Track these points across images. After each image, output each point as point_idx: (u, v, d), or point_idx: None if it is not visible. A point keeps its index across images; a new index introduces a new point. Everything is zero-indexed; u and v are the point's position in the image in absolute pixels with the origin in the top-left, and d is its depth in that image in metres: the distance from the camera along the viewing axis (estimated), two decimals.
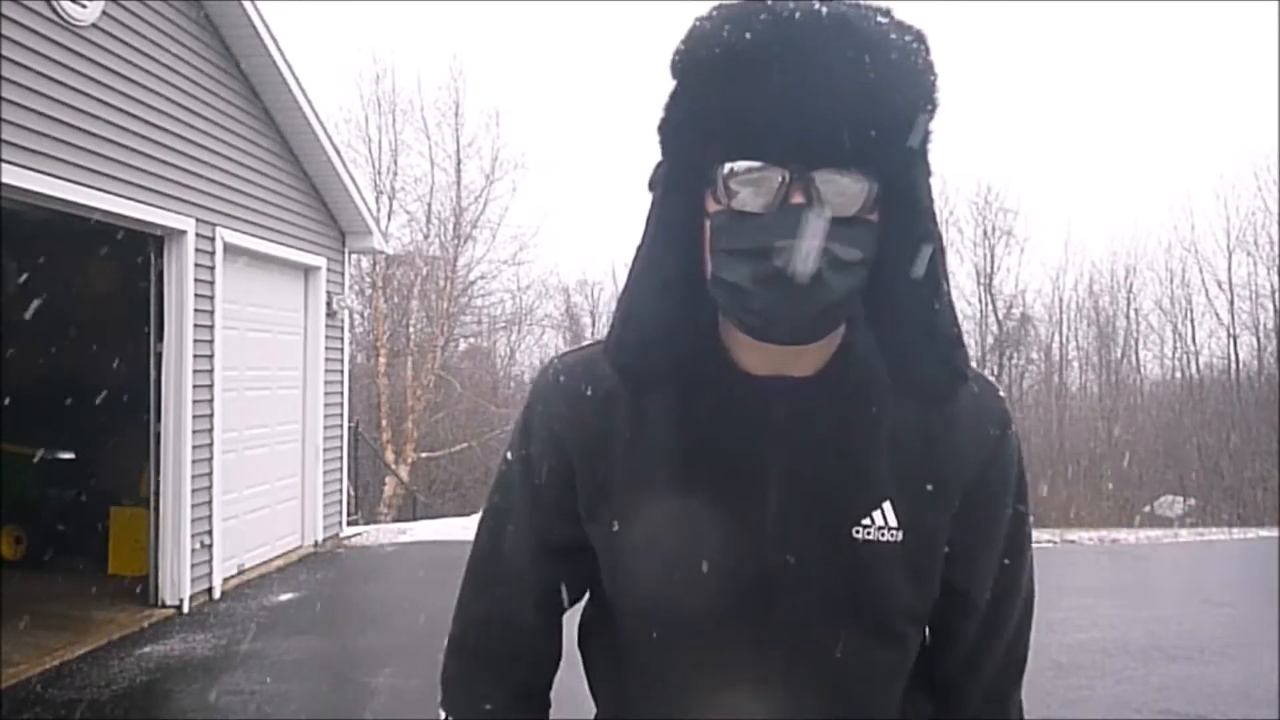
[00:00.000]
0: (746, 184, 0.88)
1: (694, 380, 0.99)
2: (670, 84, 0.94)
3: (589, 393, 1.04)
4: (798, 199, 0.86)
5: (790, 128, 0.85)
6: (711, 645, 1.00)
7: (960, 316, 1.00)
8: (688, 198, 0.94)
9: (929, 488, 1.00)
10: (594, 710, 1.16)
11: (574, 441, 1.04)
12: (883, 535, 0.98)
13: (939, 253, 0.95)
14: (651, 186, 0.99)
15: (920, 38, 0.90)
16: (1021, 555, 1.08)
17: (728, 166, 0.89)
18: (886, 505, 0.99)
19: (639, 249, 0.99)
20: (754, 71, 0.85)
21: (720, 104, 0.88)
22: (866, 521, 0.98)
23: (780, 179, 0.87)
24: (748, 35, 0.86)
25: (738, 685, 1.00)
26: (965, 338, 1.00)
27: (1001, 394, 1.08)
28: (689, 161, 0.93)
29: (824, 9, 0.86)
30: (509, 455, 1.10)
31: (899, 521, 0.99)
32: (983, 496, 1.03)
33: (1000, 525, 1.05)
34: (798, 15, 0.86)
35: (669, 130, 0.94)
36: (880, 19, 0.88)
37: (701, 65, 0.90)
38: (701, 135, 0.90)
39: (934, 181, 0.97)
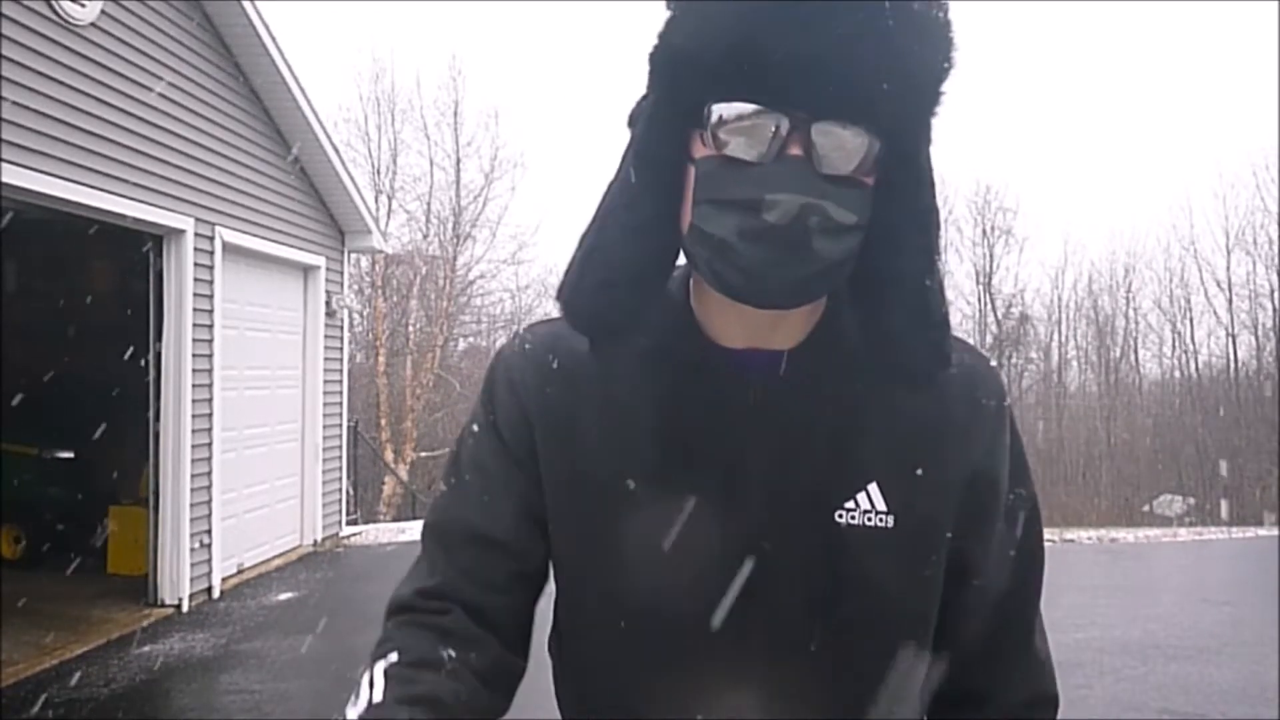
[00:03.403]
0: (740, 130, 0.80)
1: (664, 354, 0.92)
2: (670, 9, 0.84)
3: (554, 365, 0.96)
4: (795, 150, 0.79)
5: (797, 71, 0.76)
6: (686, 638, 0.92)
7: (947, 299, 0.93)
8: (672, 138, 0.85)
9: (920, 471, 0.92)
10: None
11: (538, 415, 0.96)
12: (869, 519, 0.90)
13: (935, 228, 0.88)
14: (631, 123, 0.90)
15: None
16: (1031, 547, 1.00)
17: (722, 108, 0.80)
18: (873, 487, 0.91)
19: (609, 189, 0.90)
20: (763, 8, 0.77)
21: (722, 37, 0.78)
22: (850, 505, 0.90)
23: (777, 126, 0.79)
24: None
25: (716, 680, 0.92)
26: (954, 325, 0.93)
27: (993, 364, 1.01)
28: (678, 97, 0.83)
29: None
30: (474, 427, 0.99)
31: (888, 505, 0.91)
32: (984, 480, 0.95)
33: (1002, 510, 0.97)
34: None
35: (660, 59, 0.85)
36: None
37: None
38: (696, 68, 0.81)
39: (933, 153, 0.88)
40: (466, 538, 0.97)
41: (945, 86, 0.83)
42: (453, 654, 0.90)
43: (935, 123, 0.86)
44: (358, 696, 0.90)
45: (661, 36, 0.84)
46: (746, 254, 0.80)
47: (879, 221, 0.84)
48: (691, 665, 0.93)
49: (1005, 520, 0.98)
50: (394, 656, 0.91)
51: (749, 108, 0.79)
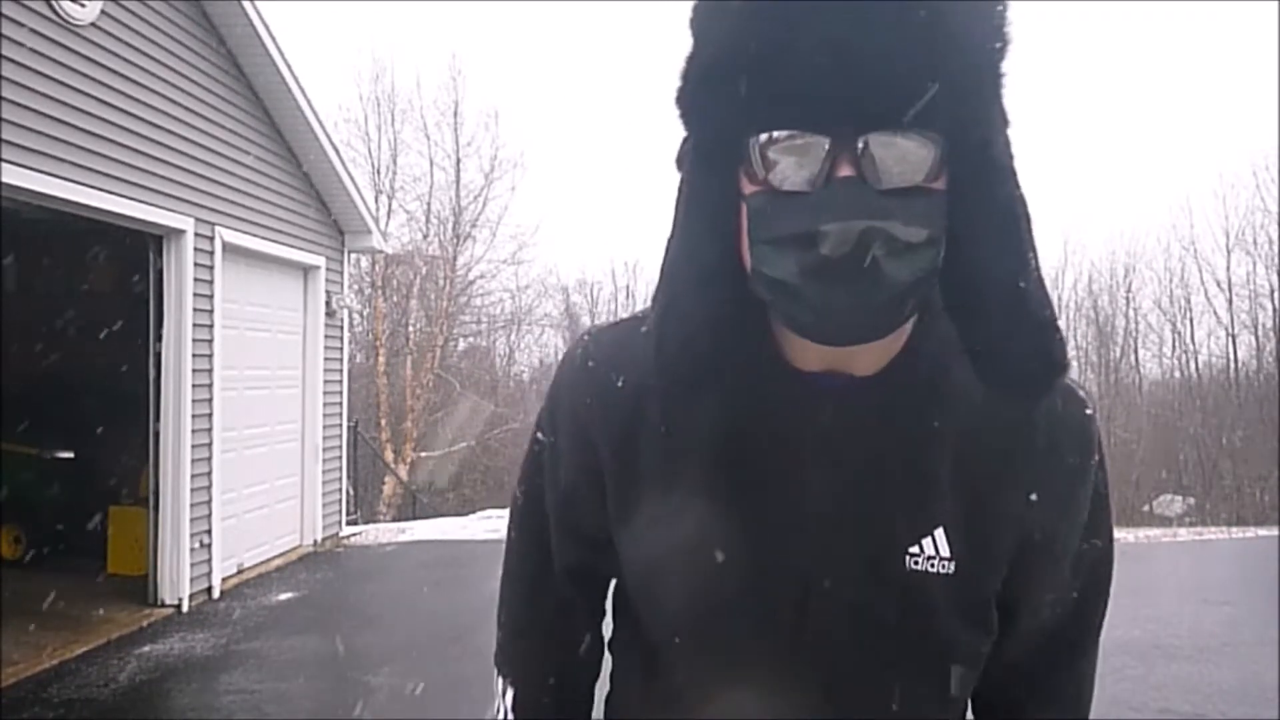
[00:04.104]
0: (784, 155, 0.74)
1: (735, 374, 0.85)
2: (687, 45, 0.79)
3: (619, 383, 0.92)
4: (845, 171, 0.72)
5: (832, 84, 0.71)
6: (737, 661, 0.91)
7: (1054, 299, 0.86)
8: (719, 177, 0.79)
9: (986, 520, 0.88)
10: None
11: (601, 436, 0.94)
12: (932, 566, 0.86)
13: (1024, 220, 0.80)
14: (679, 164, 0.85)
15: None
16: (1098, 588, 0.98)
17: (760, 137, 0.75)
18: (939, 533, 0.87)
19: (671, 237, 0.85)
20: (785, 20, 0.71)
21: (746, 61, 0.73)
22: (915, 550, 0.86)
23: (823, 148, 0.72)
24: None
25: (767, 706, 0.90)
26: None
27: (1089, 410, 0.92)
28: (713, 135, 0.78)
29: None
30: (539, 436, 1.03)
31: (951, 551, 0.87)
32: (1049, 537, 0.91)
33: (1066, 565, 0.95)
34: None
35: (686, 100, 0.79)
36: None
37: (722, 14, 0.76)
38: (724, 102, 0.75)
39: (1012, 134, 0.80)
40: (527, 551, 1.07)
41: (1005, 66, 0.76)
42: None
43: (1004, 105, 0.79)
44: None
45: (683, 75, 0.79)
46: (810, 292, 0.74)
47: (959, 225, 0.77)
48: (740, 689, 0.91)
49: (1072, 570, 0.95)
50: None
51: (784, 134, 0.74)
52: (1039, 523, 0.90)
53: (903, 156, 0.73)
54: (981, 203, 0.77)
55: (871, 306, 0.75)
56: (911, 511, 0.87)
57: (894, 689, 0.90)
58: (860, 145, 0.72)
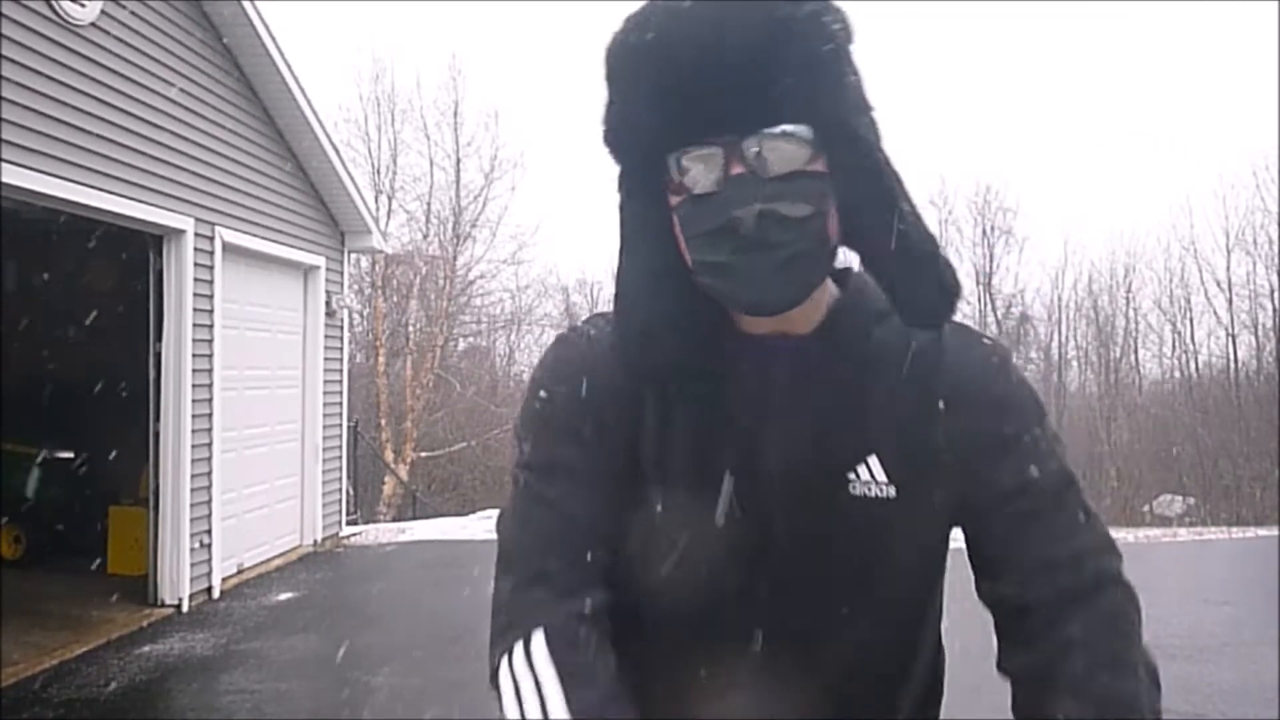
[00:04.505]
0: (694, 164, 0.93)
1: (700, 349, 1.00)
2: (603, 94, 0.98)
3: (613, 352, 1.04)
4: (737, 169, 0.91)
5: (707, 104, 0.90)
6: (701, 607, 1.02)
7: (935, 234, 1.00)
8: (650, 195, 0.98)
9: (918, 446, 1.00)
10: None
11: (608, 397, 1.03)
12: (871, 490, 0.99)
13: (895, 181, 0.96)
14: (619, 188, 1.02)
15: None
16: (1056, 464, 1.02)
17: (671, 159, 0.94)
18: (873, 460, 0.99)
19: (621, 249, 1.02)
20: (663, 64, 0.91)
21: (644, 101, 0.92)
22: (853, 476, 0.99)
23: (719, 155, 0.91)
24: (649, 35, 0.92)
25: (729, 648, 1.02)
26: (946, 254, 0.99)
27: (987, 340, 1.07)
28: (638, 164, 0.98)
29: None
30: (543, 394, 1.05)
31: (889, 477, 0.99)
32: (984, 441, 1.00)
33: (1011, 453, 1.00)
34: (686, 4, 0.91)
35: (611, 137, 0.99)
36: None
37: (620, 70, 0.95)
38: (639, 136, 0.95)
39: (878, 118, 0.97)
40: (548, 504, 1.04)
41: (850, 58, 0.93)
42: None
43: (862, 93, 0.95)
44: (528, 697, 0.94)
45: (604, 120, 0.98)
46: (744, 266, 0.92)
47: (846, 195, 0.94)
48: (708, 625, 1.03)
49: (1018, 455, 1.00)
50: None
51: (688, 150, 0.92)
52: (968, 433, 1.00)
53: (779, 149, 0.91)
54: (856, 174, 0.94)
55: (780, 271, 0.92)
56: (851, 443, 1.00)
57: (848, 613, 1.01)
58: (745, 147, 0.91)
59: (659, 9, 0.93)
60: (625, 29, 0.95)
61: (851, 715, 1.04)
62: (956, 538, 1.06)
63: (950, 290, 0.98)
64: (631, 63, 0.94)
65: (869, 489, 0.99)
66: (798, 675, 1.02)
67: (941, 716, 1.14)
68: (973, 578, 1.04)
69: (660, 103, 0.91)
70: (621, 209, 1.01)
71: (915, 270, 0.96)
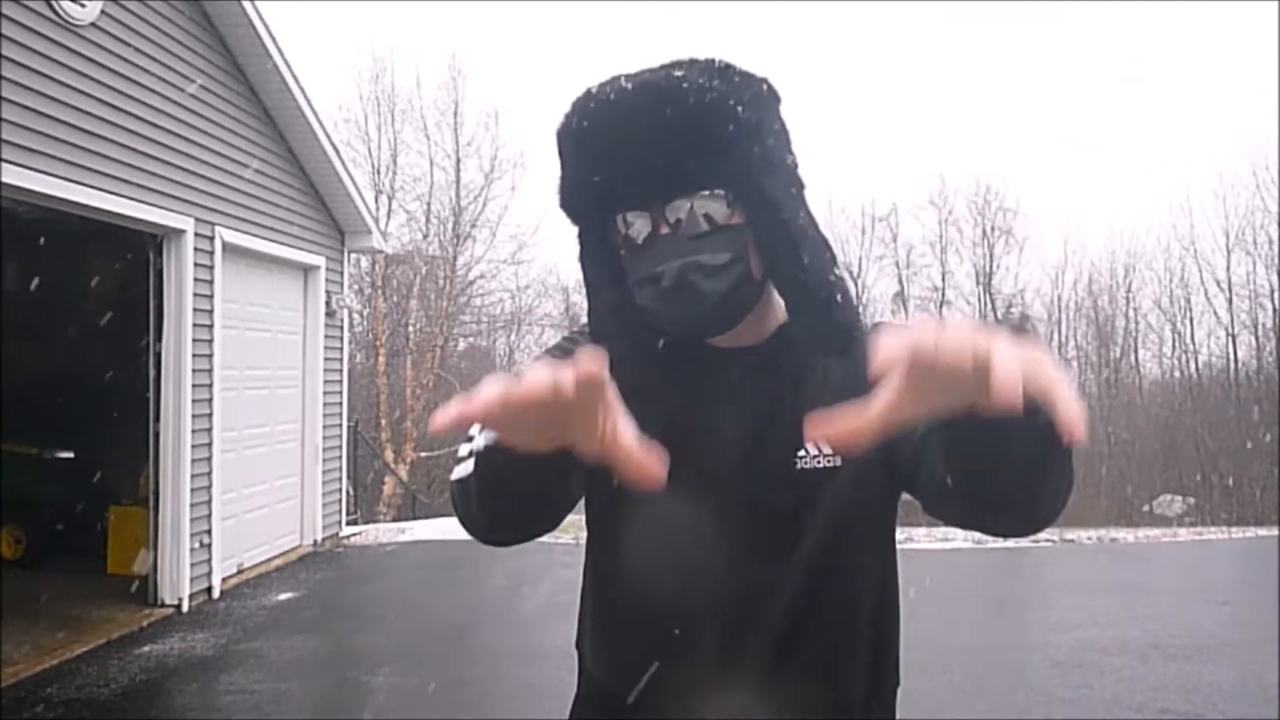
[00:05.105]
0: (634, 221, 1.12)
1: (668, 350, 1.17)
2: (557, 168, 1.17)
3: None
4: (663, 230, 1.10)
5: (632, 179, 1.09)
6: (672, 558, 1.16)
7: (843, 278, 1.15)
8: (605, 248, 1.17)
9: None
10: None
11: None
12: (819, 462, 1.15)
13: (795, 228, 1.11)
14: (579, 241, 1.20)
15: (718, 73, 1.09)
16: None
17: (618, 217, 1.13)
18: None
19: (587, 285, 1.19)
20: (595, 146, 1.10)
21: (585, 177, 1.12)
22: (802, 453, 1.15)
23: (646, 219, 1.11)
24: (585, 123, 1.10)
25: (692, 588, 1.17)
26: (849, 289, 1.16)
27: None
28: (591, 220, 1.17)
29: (631, 84, 1.09)
30: (550, 346, 1.24)
31: (833, 449, 1.11)
32: None
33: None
34: (612, 96, 1.09)
35: (565, 203, 1.17)
36: (677, 73, 1.08)
37: (565, 150, 1.15)
38: (585, 202, 1.15)
39: (791, 160, 1.15)
40: None
41: (768, 111, 1.11)
42: None
43: (772, 153, 1.11)
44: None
45: (560, 190, 1.17)
46: (666, 310, 1.12)
47: (764, 242, 1.11)
48: (671, 579, 1.17)
49: None
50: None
51: (624, 216, 1.12)
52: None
53: (692, 209, 1.10)
54: (765, 226, 1.11)
55: (703, 313, 1.11)
56: (797, 428, 1.08)
57: (801, 575, 1.15)
58: (668, 212, 1.10)
59: (597, 98, 1.10)
60: (568, 115, 1.13)
61: (804, 673, 1.17)
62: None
63: (844, 328, 1.12)
64: (573, 146, 1.13)
65: (817, 461, 1.15)
66: (756, 636, 1.16)
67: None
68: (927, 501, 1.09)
69: (601, 173, 1.10)
70: (580, 259, 1.19)
71: (812, 310, 1.12)
